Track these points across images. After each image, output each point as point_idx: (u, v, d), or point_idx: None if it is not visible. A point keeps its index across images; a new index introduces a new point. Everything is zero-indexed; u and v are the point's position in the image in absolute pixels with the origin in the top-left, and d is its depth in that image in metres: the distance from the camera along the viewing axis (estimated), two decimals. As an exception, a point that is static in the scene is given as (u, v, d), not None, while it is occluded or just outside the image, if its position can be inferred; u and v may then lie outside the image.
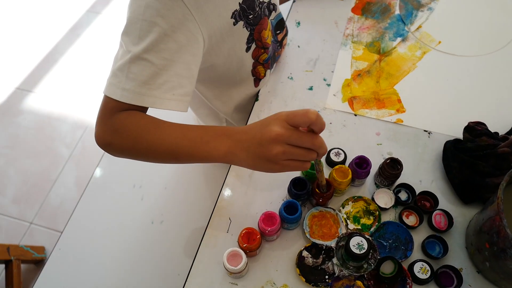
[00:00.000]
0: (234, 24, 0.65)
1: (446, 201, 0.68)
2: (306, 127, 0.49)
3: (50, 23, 1.95)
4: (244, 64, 0.74)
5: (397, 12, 0.93)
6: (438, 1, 0.95)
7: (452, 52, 0.87)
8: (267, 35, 0.74)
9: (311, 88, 0.83)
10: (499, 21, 0.92)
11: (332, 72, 0.84)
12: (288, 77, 0.85)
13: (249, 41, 0.71)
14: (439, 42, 0.88)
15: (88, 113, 1.63)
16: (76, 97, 1.68)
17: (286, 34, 0.84)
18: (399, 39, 0.89)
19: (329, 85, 0.83)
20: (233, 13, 0.64)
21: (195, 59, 0.59)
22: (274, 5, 0.75)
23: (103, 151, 0.62)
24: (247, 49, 0.72)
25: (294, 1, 0.97)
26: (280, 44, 0.82)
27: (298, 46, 0.89)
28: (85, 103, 1.66)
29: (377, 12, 0.93)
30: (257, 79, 0.80)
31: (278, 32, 0.80)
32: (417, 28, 0.90)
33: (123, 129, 0.55)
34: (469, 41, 0.88)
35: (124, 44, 0.56)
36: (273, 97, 0.82)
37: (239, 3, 0.64)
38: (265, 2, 0.72)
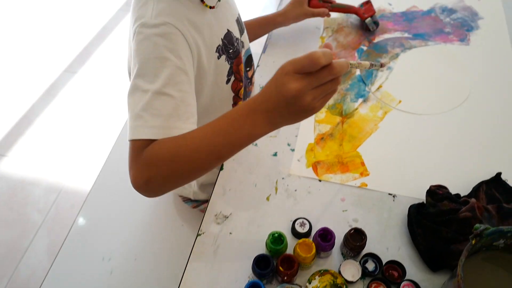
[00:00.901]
0: (218, 58, 0.73)
1: (414, 268, 0.67)
2: None
3: (26, 85, 1.96)
4: (225, 96, 0.80)
5: (358, 73, 0.96)
6: (397, 60, 0.98)
7: (412, 111, 0.88)
8: (242, 69, 0.83)
9: (275, 154, 0.83)
10: (456, 78, 0.95)
11: (296, 136, 0.85)
12: (253, 144, 0.85)
13: (229, 74, 0.78)
14: (400, 102, 0.90)
15: (63, 175, 1.60)
16: (51, 160, 1.66)
17: (254, 72, 0.93)
18: (360, 99, 0.90)
19: (293, 150, 0.83)
20: (217, 48, 0.72)
21: (193, 89, 0.64)
22: (243, 42, 0.84)
23: (74, 218, 0.60)
24: (227, 81, 0.79)
25: (258, 66, 0.99)
26: (250, 81, 0.88)
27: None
28: (60, 165, 1.64)
29: (338, 73, 0.96)
30: None
31: (248, 69, 0.88)
32: (378, 88, 0.93)
33: (155, 158, 0.54)
34: (428, 99, 0.90)
35: (139, 87, 0.58)
36: (237, 164, 0.82)
37: (221, 38, 0.73)
38: (241, 41, 0.81)
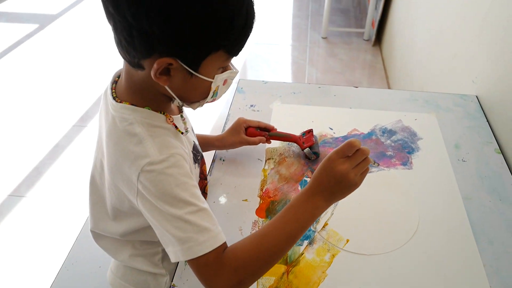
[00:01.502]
0: (195, 168, 0.80)
1: None
2: None
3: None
4: None
5: (302, 209, 0.91)
6: (341, 192, 0.95)
7: (361, 252, 0.83)
8: (205, 168, 0.91)
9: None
10: (404, 208, 0.92)
11: (238, 294, 0.76)
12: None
13: (199, 178, 0.85)
14: (347, 241, 0.85)
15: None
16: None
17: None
18: (305, 242, 0.85)
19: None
20: (193, 160, 0.78)
21: None
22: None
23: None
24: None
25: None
26: (205, 177, 0.93)
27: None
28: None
29: (282, 211, 0.91)
30: None
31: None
32: (324, 227, 0.88)
33: (241, 262, 0.62)
34: (377, 234, 0.86)
35: (173, 215, 0.61)
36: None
37: (192, 151, 0.78)
38: (197, 145, 0.85)
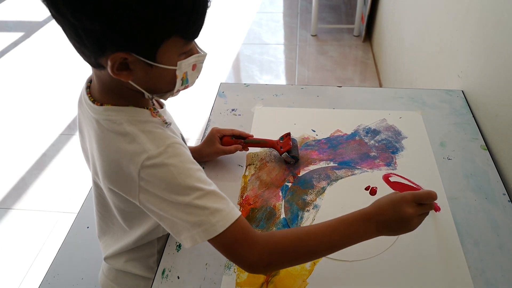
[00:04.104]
0: None
1: None
2: None
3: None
4: None
5: (283, 215, 0.89)
6: (324, 196, 0.93)
7: (343, 259, 0.80)
8: None
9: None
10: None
11: (216, 307, 0.74)
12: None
13: None
14: (329, 247, 0.82)
15: None
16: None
17: None
18: (286, 250, 0.82)
19: (212, 327, 0.71)
20: None
21: None
22: None
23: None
24: None
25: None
26: None
27: (178, 277, 0.79)
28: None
29: (262, 219, 0.89)
30: None
31: None
32: (304, 233, 0.85)
33: (279, 247, 0.65)
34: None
35: (179, 204, 0.61)
36: None
37: None
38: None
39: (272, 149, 1.04)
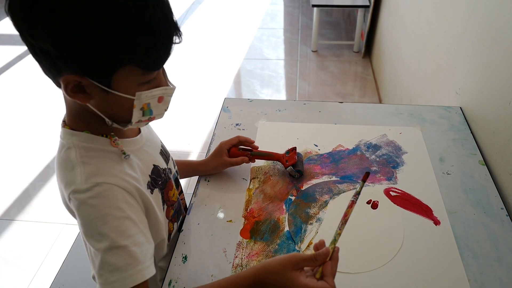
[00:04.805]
0: (152, 193, 0.75)
1: None
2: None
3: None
4: (161, 223, 0.80)
5: (286, 228, 0.91)
6: (326, 210, 0.95)
7: (346, 270, 0.82)
8: (173, 194, 0.86)
9: None
10: (388, 225, 0.91)
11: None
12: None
13: (163, 203, 0.81)
14: (332, 260, 0.84)
15: None
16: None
17: (181, 192, 0.96)
18: (290, 262, 0.84)
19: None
20: (147, 185, 0.74)
21: (145, 224, 0.69)
22: (170, 168, 0.87)
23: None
24: (162, 209, 0.81)
25: (182, 230, 0.92)
26: (171, 204, 0.88)
27: (184, 290, 0.81)
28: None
29: (266, 231, 0.91)
30: (169, 234, 0.87)
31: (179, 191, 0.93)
32: (308, 246, 0.87)
33: None
34: (362, 252, 0.85)
35: (93, 247, 0.61)
36: None
37: (149, 175, 0.75)
38: (168, 168, 0.84)
39: (276, 162, 1.07)
